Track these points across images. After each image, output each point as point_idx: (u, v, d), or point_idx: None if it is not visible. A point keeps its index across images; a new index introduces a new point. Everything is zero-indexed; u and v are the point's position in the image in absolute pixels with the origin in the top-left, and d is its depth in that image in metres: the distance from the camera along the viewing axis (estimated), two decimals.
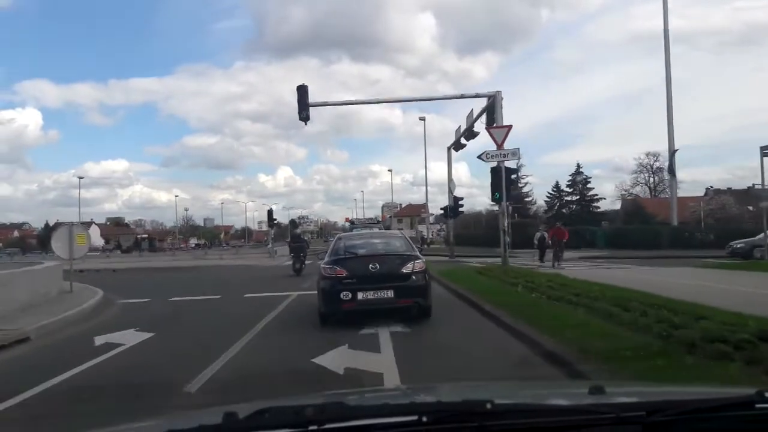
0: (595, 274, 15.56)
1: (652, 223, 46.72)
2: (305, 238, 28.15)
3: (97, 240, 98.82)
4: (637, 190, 69.10)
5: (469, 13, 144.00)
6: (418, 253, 9.84)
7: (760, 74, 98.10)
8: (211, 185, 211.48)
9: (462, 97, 24.39)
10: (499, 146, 18.17)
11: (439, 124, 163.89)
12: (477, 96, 22.96)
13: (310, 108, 21.95)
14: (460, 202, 30.67)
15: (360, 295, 8.86)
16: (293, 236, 24.88)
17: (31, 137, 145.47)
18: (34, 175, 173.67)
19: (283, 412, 1.42)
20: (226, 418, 1.37)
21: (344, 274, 9.05)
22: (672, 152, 42.56)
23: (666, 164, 63.87)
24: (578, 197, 66.88)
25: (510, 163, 20.02)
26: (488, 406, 1.38)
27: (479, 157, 18.70)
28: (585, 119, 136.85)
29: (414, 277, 9.13)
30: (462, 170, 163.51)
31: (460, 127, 27.53)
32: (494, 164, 18.51)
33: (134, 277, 24.98)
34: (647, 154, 68.10)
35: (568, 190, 67.91)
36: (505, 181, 18.40)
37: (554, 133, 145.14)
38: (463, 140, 27.23)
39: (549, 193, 68.92)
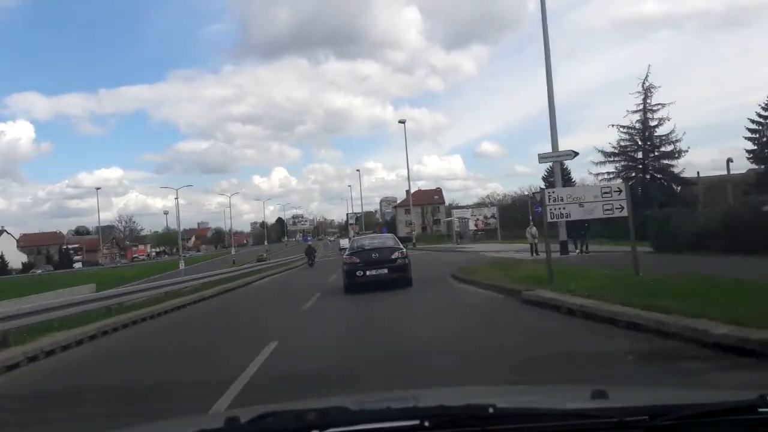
0: None
1: None
2: (314, 247, 41.45)
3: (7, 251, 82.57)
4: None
5: (455, 5, 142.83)
6: (402, 247, 14.92)
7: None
8: (206, 190, 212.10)
9: None
10: None
11: (430, 119, 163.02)
12: None
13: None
14: None
15: (367, 272, 13.90)
16: (307, 246, 40.14)
17: (24, 150, 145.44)
18: (28, 188, 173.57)
19: (285, 416, 1.43)
20: (228, 422, 1.38)
21: (358, 261, 14.26)
22: None
23: None
24: None
25: None
26: (490, 410, 1.37)
27: None
28: (578, 106, 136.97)
29: (399, 261, 14.10)
30: (456, 162, 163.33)
31: None
32: None
33: None
34: None
35: None
36: None
37: (548, 121, 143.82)
38: None
39: (749, 129, 38.60)
